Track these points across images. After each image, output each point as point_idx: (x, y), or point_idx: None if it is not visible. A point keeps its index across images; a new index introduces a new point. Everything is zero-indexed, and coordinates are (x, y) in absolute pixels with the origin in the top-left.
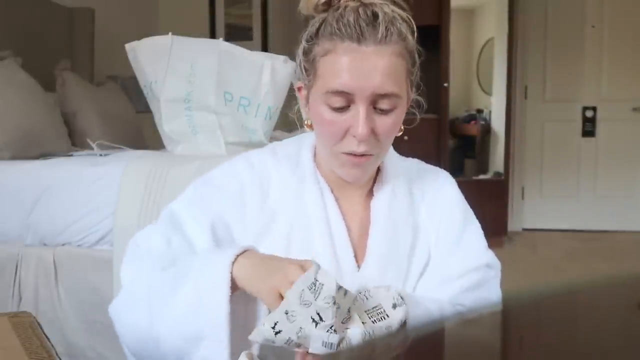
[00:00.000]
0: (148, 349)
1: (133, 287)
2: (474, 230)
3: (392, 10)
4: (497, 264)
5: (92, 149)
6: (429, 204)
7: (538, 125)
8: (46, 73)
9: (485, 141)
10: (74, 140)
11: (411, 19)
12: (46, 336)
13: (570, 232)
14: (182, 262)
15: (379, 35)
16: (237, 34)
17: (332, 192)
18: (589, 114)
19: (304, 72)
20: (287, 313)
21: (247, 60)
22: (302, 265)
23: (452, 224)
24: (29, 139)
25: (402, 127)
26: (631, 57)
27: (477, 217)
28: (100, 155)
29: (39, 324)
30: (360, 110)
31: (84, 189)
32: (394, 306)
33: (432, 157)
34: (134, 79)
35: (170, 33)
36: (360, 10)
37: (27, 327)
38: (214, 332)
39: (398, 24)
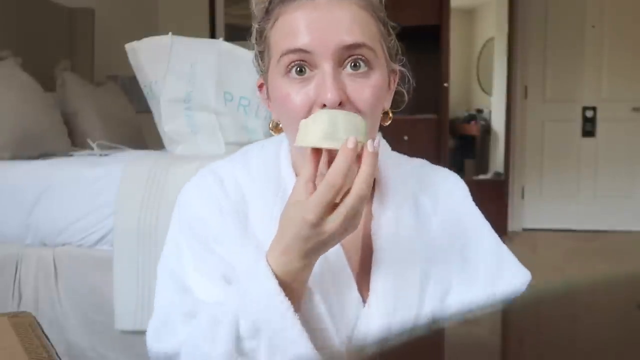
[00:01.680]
0: None
1: None
2: (504, 247)
3: None
4: (527, 277)
5: (92, 149)
6: (442, 216)
7: (538, 125)
8: (46, 73)
9: (485, 141)
10: (74, 140)
11: None
12: (46, 336)
13: (570, 232)
14: (221, 318)
15: None
16: (237, 34)
17: None
18: (589, 114)
19: (259, 62)
20: None
21: (247, 60)
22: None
23: (482, 245)
24: (29, 139)
25: (390, 113)
26: (631, 57)
27: None
28: (100, 155)
29: (39, 324)
30: (325, 69)
31: (84, 189)
32: None
33: (432, 157)
34: (134, 79)
35: (170, 33)
36: None
37: (27, 327)
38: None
39: None
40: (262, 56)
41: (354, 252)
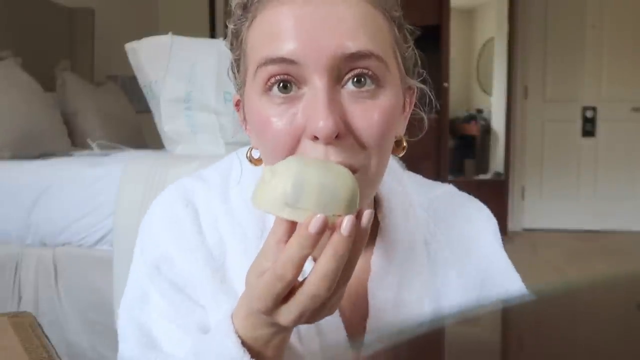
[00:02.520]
0: None
1: None
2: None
3: None
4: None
5: (92, 149)
6: (462, 268)
7: (538, 125)
8: (46, 73)
9: (485, 141)
10: (74, 140)
11: None
12: (46, 336)
13: (570, 232)
14: None
15: None
16: None
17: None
18: (589, 114)
19: (235, 73)
20: None
21: None
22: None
23: (490, 283)
24: (29, 139)
25: (404, 142)
26: (631, 57)
27: None
28: (100, 155)
29: (39, 324)
30: (317, 87)
31: (84, 189)
32: None
33: (432, 157)
34: (134, 79)
35: (170, 33)
36: None
37: (27, 327)
38: None
39: None
40: (237, 65)
41: (349, 305)
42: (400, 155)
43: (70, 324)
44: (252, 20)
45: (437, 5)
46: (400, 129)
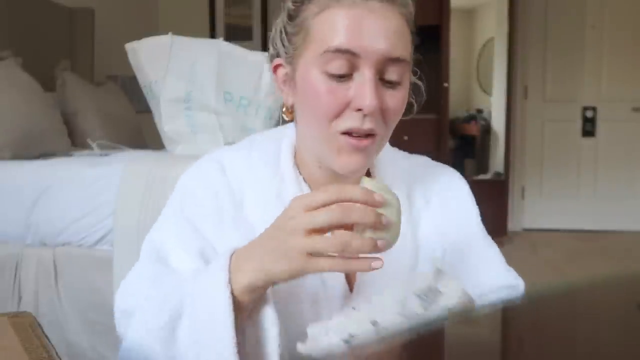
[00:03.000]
0: None
1: (132, 337)
2: (491, 245)
3: None
4: (520, 284)
5: (92, 149)
6: (433, 212)
7: (538, 125)
8: (46, 73)
9: (485, 141)
10: (74, 140)
11: None
12: (46, 336)
13: (570, 232)
14: (172, 298)
15: None
16: (237, 34)
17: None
18: (589, 114)
19: (285, 44)
20: (375, 324)
21: (247, 60)
22: (303, 199)
23: (464, 236)
24: (29, 139)
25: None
26: (631, 57)
27: None
28: (100, 155)
29: (39, 324)
30: (367, 75)
31: (84, 189)
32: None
33: (432, 157)
34: (134, 79)
35: (170, 33)
36: None
37: (27, 327)
38: None
39: None
40: (290, 38)
41: None
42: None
43: (70, 324)
44: (322, 10)
45: (437, 5)
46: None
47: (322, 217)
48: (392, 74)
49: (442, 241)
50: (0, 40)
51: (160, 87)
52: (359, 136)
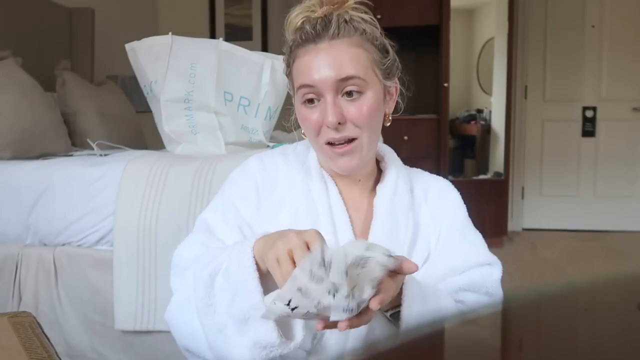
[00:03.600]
0: (202, 348)
1: (181, 293)
2: (474, 233)
3: (348, 13)
4: (499, 263)
5: (92, 149)
6: (431, 205)
7: (538, 125)
8: (46, 73)
9: (485, 141)
10: (74, 140)
11: (373, 18)
12: (46, 336)
13: (570, 232)
14: (214, 260)
15: (331, 32)
16: (237, 34)
17: (336, 185)
18: (589, 114)
19: (290, 90)
20: (300, 290)
21: (247, 60)
22: (301, 234)
23: (453, 226)
24: (29, 139)
25: (389, 117)
26: (631, 57)
27: (477, 217)
28: (100, 155)
29: (39, 324)
30: (327, 98)
31: (84, 189)
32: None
33: (432, 157)
34: (134, 79)
35: (170, 33)
36: (319, 20)
37: (27, 327)
38: (256, 315)
39: (354, 22)
40: (290, 80)
41: (358, 217)
42: (388, 124)
43: (70, 324)
44: (294, 60)
45: (437, 5)
46: (388, 109)
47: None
48: (348, 88)
49: (437, 229)
50: (0, 40)
51: (160, 87)
52: (339, 144)
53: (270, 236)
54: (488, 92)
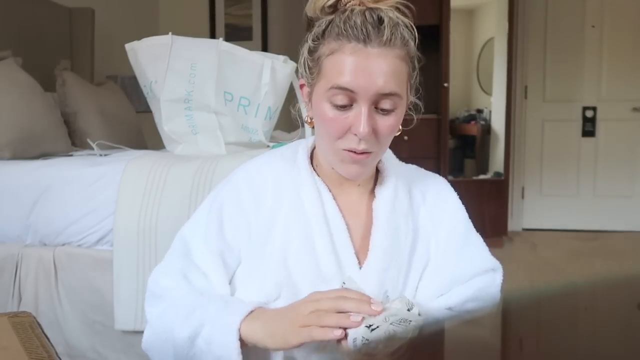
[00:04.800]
0: None
1: (158, 328)
2: (476, 237)
3: (397, 17)
4: (500, 267)
5: (92, 149)
6: (429, 207)
7: (538, 125)
8: (46, 73)
9: (485, 141)
10: (74, 140)
11: (414, 27)
12: (46, 336)
13: (570, 232)
14: (194, 319)
15: (384, 38)
16: (237, 34)
17: (330, 191)
18: (589, 114)
19: (307, 71)
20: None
21: (247, 60)
22: (309, 300)
23: (455, 229)
24: (29, 139)
25: (400, 128)
26: (631, 57)
27: (477, 217)
28: (100, 155)
29: (39, 324)
30: (362, 109)
31: (84, 189)
32: (409, 310)
33: (432, 157)
34: (134, 79)
35: (170, 33)
36: (367, 13)
37: (27, 327)
38: None
39: (401, 30)
40: (310, 68)
41: (357, 223)
42: (397, 134)
43: (70, 324)
44: (330, 53)
45: (437, 5)
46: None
47: (326, 303)
48: (385, 104)
49: (436, 233)
50: (0, 40)
51: (160, 87)
52: (356, 153)
53: (270, 321)
54: (488, 92)
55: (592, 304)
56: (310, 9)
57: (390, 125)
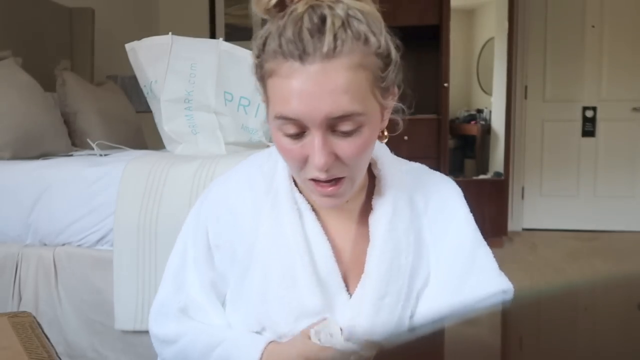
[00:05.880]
0: None
1: None
2: (485, 252)
3: (347, 9)
4: (511, 288)
5: (92, 149)
6: (432, 216)
7: (538, 125)
8: (46, 73)
9: (485, 141)
10: (74, 140)
11: (376, 10)
12: (46, 336)
13: (570, 232)
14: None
15: (325, 50)
16: (237, 34)
17: (313, 210)
18: (589, 114)
19: (257, 89)
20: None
21: (247, 60)
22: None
23: (461, 244)
24: (29, 139)
25: (385, 134)
26: (631, 57)
27: (477, 217)
28: (100, 155)
29: (39, 324)
30: (315, 138)
31: (84, 189)
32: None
33: (432, 157)
34: (134, 79)
35: (170, 33)
36: (306, 17)
37: (27, 327)
38: None
39: (354, 25)
40: (259, 87)
41: (347, 243)
42: (384, 141)
43: (70, 324)
44: (270, 75)
45: (437, 5)
46: (383, 125)
47: None
48: (343, 127)
49: (437, 246)
50: (0, 40)
51: (160, 87)
52: (323, 183)
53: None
54: (488, 92)
55: (592, 304)
56: (254, 8)
57: (357, 147)
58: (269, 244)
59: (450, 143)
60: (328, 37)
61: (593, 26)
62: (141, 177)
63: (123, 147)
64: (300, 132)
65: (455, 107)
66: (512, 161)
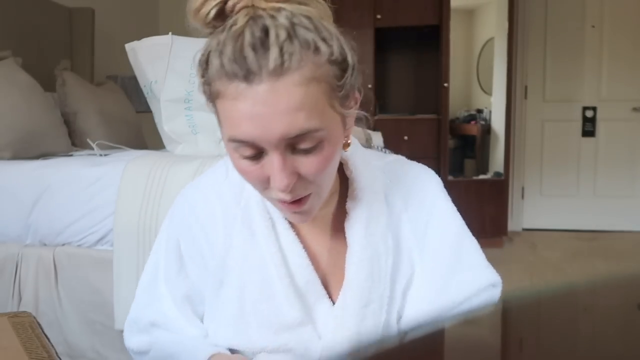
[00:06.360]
0: None
1: None
2: (471, 245)
3: (291, 17)
4: (499, 281)
5: (92, 149)
6: (412, 213)
7: (538, 125)
8: (46, 73)
9: (485, 141)
10: (74, 140)
11: (327, 9)
12: (46, 336)
13: (570, 232)
14: None
15: (272, 66)
16: None
17: (286, 219)
18: (589, 114)
19: (210, 108)
20: None
21: None
22: None
23: (445, 238)
24: (29, 139)
25: (349, 142)
26: (631, 57)
27: (477, 217)
28: (100, 155)
29: (39, 324)
30: (274, 159)
31: (84, 189)
32: None
33: (432, 157)
34: (134, 79)
35: (170, 33)
36: (247, 32)
37: (27, 327)
38: None
39: (301, 35)
40: (211, 104)
41: (324, 250)
42: (346, 150)
43: (70, 324)
44: (217, 96)
45: (437, 5)
46: (347, 134)
47: None
48: (302, 145)
49: (419, 242)
50: (0, 40)
51: (160, 87)
52: (289, 202)
53: None
54: (488, 92)
55: (592, 304)
56: (195, 22)
57: (319, 163)
58: (243, 257)
59: (450, 143)
60: (273, 52)
61: (593, 26)
62: (141, 177)
63: (123, 147)
64: (258, 153)
65: (455, 107)
66: (512, 161)
